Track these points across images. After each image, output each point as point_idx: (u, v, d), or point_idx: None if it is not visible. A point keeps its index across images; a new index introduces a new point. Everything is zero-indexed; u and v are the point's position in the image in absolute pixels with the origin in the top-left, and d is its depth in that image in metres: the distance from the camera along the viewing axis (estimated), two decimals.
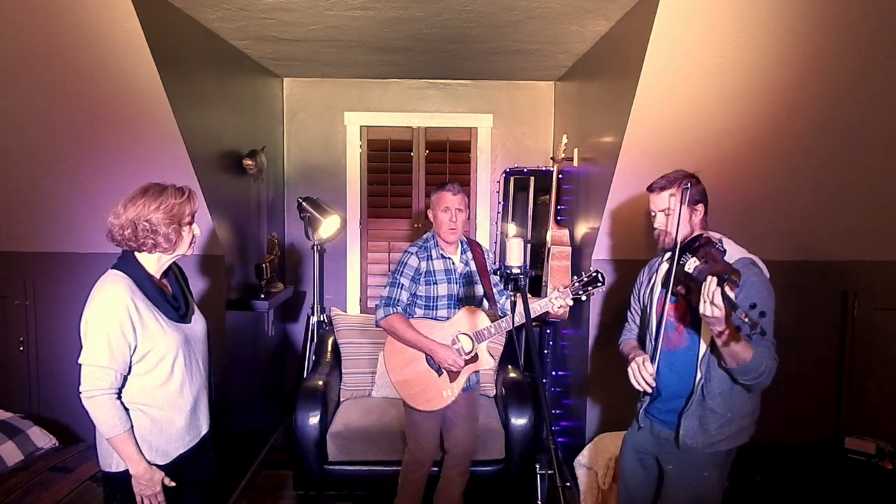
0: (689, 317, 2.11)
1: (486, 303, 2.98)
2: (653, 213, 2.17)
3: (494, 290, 2.96)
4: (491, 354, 2.90)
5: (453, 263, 2.90)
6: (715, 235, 2.14)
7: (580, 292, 2.68)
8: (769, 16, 2.29)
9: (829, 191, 3.06)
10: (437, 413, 2.87)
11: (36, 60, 2.52)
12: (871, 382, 3.53)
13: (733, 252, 2.09)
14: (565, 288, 2.71)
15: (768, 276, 2.12)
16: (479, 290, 2.94)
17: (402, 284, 2.80)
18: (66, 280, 3.42)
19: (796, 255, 3.39)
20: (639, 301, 2.38)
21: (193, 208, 2.01)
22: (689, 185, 2.08)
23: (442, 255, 2.88)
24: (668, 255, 2.24)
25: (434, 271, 2.85)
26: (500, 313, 2.94)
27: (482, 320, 2.85)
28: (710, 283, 1.77)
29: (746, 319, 1.64)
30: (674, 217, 2.09)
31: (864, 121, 2.74)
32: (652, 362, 2.15)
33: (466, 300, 2.92)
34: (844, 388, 3.53)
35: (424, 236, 2.94)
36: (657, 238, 2.18)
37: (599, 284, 2.67)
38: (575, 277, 2.73)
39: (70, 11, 2.33)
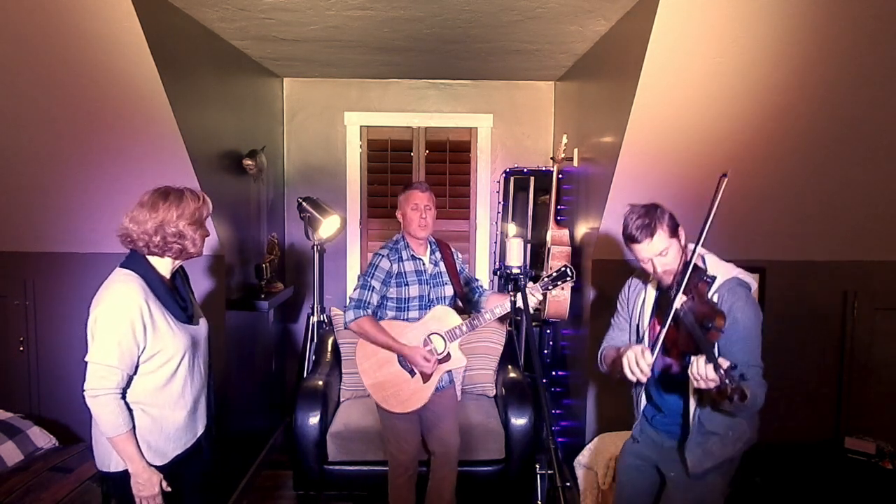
0: (682, 343, 2.02)
1: (458, 302, 3.00)
2: (645, 261, 2.03)
3: (468, 288, 2.99)
4: (462, 352, 2.91)
5: (423, 264, 2.91)
6: (690, 249, 2.04)
7: (549, 286, 2.74)
8: (769, 16, 2.29)
9: (829, 191, 3.06)
10: (414, 414, 2.87)
11: (36, 60, 2.52)
12: (871, 382, 3.53)
13: (719, 273, 2.02)
14: (535, 283, 2.74)
15: (755, 287, 2.08)
16: (450, 290, 2.96)
17: (373, 287, 2.80)
18: (66, 280, 3.41)
19: (796, 255, 3.39)
20: (628, 314, 2.31)
21: (209, 211, 2.04)
22: (666, 213, 1.99)
23: (412, 256, 2.88)
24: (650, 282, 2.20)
25: (405, 273, 2.85)
26: (472, 311, 2.96)
27: (453, 319, 2.86)
28: (699, 363, 1.72)
29: (728, 381, 1.65)
30: (671, 253, 1.99)
31: (864, 121, 2.74)
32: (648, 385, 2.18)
33: (437, 300, 2.92)
34: (844, 388, 3.53)
35: (394, 238, 2.93)
36: (659, 280, 2.06)
37: (569, 279, 2.73)
38: (544, 273, 2.75)
39: (70, 11, 2.33)
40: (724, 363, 1.68)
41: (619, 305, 2.37)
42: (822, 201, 3.12)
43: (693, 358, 1.76)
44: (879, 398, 3.53)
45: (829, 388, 3.55)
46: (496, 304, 2.81)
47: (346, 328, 2.86)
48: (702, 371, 1.72)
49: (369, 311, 2.79)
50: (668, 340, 1.99)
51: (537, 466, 3.24)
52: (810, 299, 3.48)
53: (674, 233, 2.00)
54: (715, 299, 1.97)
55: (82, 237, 3.31)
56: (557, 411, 3.95)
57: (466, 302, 3.00)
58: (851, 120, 2.73)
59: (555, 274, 2.73)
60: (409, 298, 2.86)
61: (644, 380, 1.97)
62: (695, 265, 1.97)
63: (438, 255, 2.98)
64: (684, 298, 1.89)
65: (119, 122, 2.79)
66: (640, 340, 2.20)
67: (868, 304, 3.47)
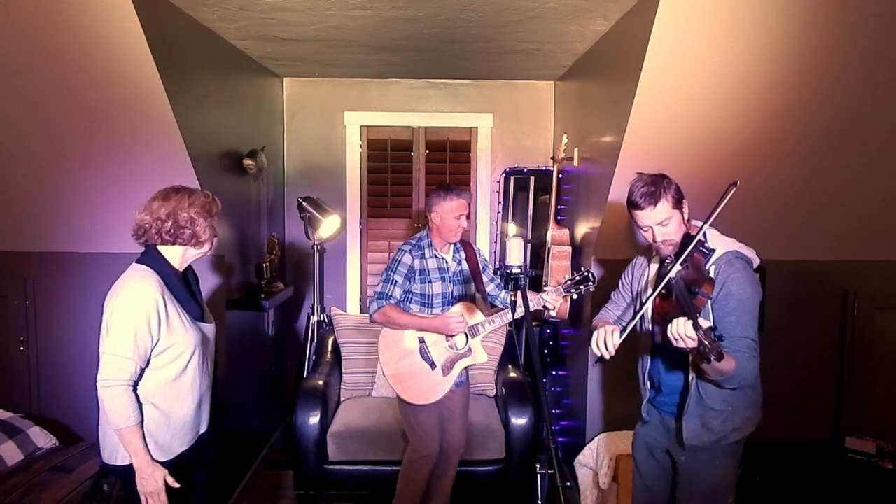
0: (675, 315, 2.02)
1: (480, 300, 3.02)
2: (646, 229, 2.04)
3: (492, 285, 3.03)
4: (485, 350, 2.94)
5: (446, 262, 2.95)
6: (696, 224, 2.09)
7: (572, 290, 2.77)
8: (769, 16, 2.29)
9: (829, 190, 3.06)
10: (435, 407, 2.90)
11: (36, 60, 2.51)
12: (871, 382, 3.53)
13: (718, 246, 2.04)
14: (558, 285, 2.78)
15: (757, 262, 2.08)
16: (472, 287, 3.00)
17: (396, 281, 2.84)
18: (66, 280, 3.41)
19: (796, 255, 3.39)
20: (630, 290, 2.35)
21: (218, 209, 2.11)
22: (672, 184, 2.01)
23: (435, 254, 2.92)
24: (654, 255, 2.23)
25: (428, 270, 2.89)
26: (498, 305, 3.00)
27: (477, 316, 2.90)
28: (679, 322, 1.73)
29: (706, 343, 1.66)
30: (673, 223, 2.01)
31: (864, 121, 2.73)
32: (650, 357, 2.20)
33: (460, 298, 2.97)
34: (844, 388, 3.53)
35: (418, 235, 2.97)
36: (657, 250, 2.07)
37: (590, 284, 2.76)
38: (567, 276, 2.81)
39: (70, 11, 2.33)
40: (705, 324, 1.70)
41: (621, 281, 2.41)
42: (822, 201, 3.12)
43: (675, 319, 1.76)
44: (879, 398, 3.53)
45: (829, 388, 3.55)
46: (507, 310, 2.83)
47: (371, 321, 2.89)
48: (681, 330, 1.73)
49: (392, 302, 2.83)
50: (661, 312, 2.01)
51: (537, 466, 3.23)
52: (810, 299, 3.48)
53: (677, 204, 2.02)
54: (712, 271, 1.99)
55: (82, 237, 3.31)
56: (557, 411, 3.95)
57: (489, 299, 3.02)
58: (851, 120, 2.73)
59: (578, 278, 2.76)
60: (432, 295, 2.90)
61: (607, 357, 1.98)
62: (694, 237, 1.98)
63: (462, 254, 3.02)
64: (679, 268, 1.90)
65: (119, 122, 2.79)
66: (643, 323, 2.22)
67: (868, 303, 3.47)
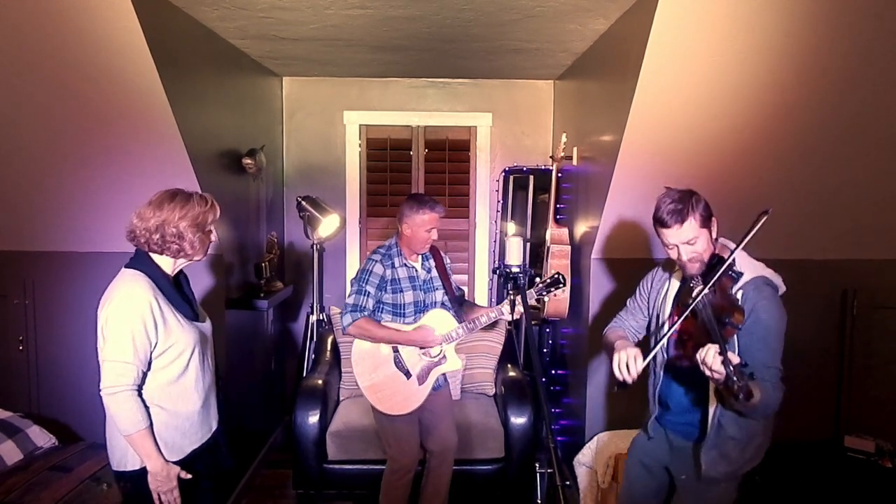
0: (698, 336, 1.96)
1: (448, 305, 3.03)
2: (671, 247, 1.97)
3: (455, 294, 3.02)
4: (458, 355, 2.95)
5: (416, 271, 2.94)
6: (722, 244, 2.04)
7: (543, 293, 2.80)
8: (769, 15, 2.29)
9: (828, 190, 3.06)
10: (414, 415, 2.90)
11: (36, 60, 2.51)
12: (871, 381, 3.53)
13: (746, 270, 1.97)
14: (531, 289, 2.79)
15: (783, 290, 2.02)
16: (441, 294, 3.00)
17: (368, 292, 2.82)
18: (65, 280, 3.41)
19: (796, 254, 3.38)
20: (647, 300, 2.27)
21: (216, 216, 2.06)
22: (701, 201, 1.93)
23: (405, 263, 2.91)
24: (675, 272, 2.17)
25: (399, 279, 2.88)
26: (457, 317, 2.96)
27: (449, 323, 2.89)
28: (709, 352, 1.68)
29: (735, 378, 1.61)
30: (700, 242, 1.93)
31: (863, 120, 2.73)
32: (661, 372, 2.14)
33: (431, 305, 2.97)
34: (844, 388, 3.53)
35: (387, 244, 2.95)
36: (683, 267, 2.00)
37: (561, 285, 2.79)
38: (538, 279, 2.85)
39: (70, 11, 2.33)
40: (735, 359, 1.65)
41: (638, 290, 2.33)
42: (821, 200, 3.11)
43: (707, 346, 1.72)
44: (879, 397, 3.52)
45: (829, 387, 3.55)
46: (480, 314, 2.84)
47: (344, 333, 2.88)
48: (709, 359, 1.68)
49: (366, 314, 2.82)
50: (683, 332, 1.95)
51: (537, 465, 3.24)
52: (810, 298, 3.48)
53: (705, 223, 1.93)
54: (739, 296, 1.92)
55: (82, 237, 3.31)
56: (557, 410, 3.95)
57: (459, 307, 3.02)
58: (851, 118, 2.73)
59: (548, 280, 2.80)
60: (404, 304, 2.89)
61: (629, 381, 1.93)
62: (722, 258, 1.92)
63: (431, 262, 3.01)
64: (706, 291, 1.85)
65: (118, 122, 2.79)
66: (659, 330, 2.16)
67: (868, 302, 3.47)
